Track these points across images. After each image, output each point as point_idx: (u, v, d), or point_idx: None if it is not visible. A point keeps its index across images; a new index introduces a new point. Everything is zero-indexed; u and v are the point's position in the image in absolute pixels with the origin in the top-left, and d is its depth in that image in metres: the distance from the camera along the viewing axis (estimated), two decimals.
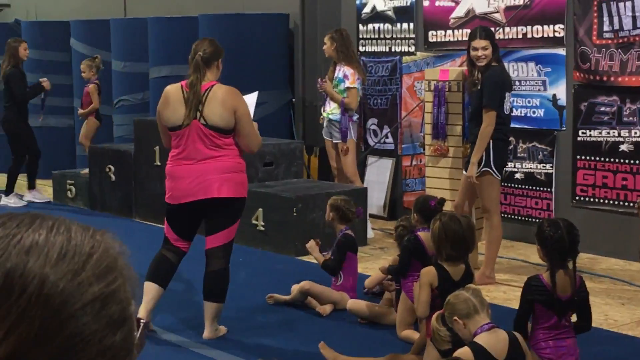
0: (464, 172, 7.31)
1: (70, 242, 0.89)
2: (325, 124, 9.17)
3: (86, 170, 11.22)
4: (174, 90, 5.82)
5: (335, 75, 9.00)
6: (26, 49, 10.91)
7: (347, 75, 8.91)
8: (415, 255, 5.93)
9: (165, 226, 5.98)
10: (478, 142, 6.98)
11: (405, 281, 5.97)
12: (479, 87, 7.10)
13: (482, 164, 7.03)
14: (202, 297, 5.99)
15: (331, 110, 9.03)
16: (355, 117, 9.06)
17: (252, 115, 6.04)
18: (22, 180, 11.30)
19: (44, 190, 11.59)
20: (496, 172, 7.08)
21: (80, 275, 0.87)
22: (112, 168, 10.34)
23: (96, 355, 0.87)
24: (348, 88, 8.90)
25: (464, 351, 4.18)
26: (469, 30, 7.98)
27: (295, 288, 6.68)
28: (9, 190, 11.09)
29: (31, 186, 11.27)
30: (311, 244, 6.68)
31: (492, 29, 8.23)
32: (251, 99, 6.33)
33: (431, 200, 6.19)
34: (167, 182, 5.89)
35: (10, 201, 11.03)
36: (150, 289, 5.89)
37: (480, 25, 8.09)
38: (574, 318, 5.00)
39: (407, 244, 6.03)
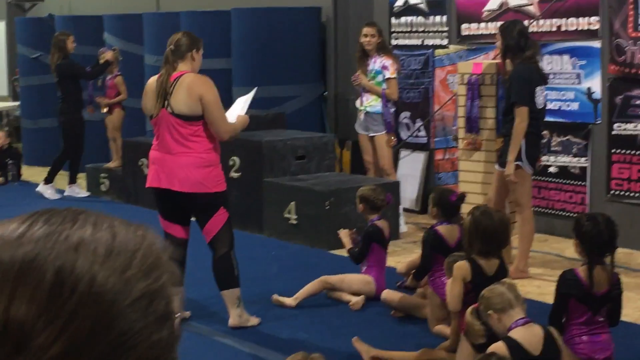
0: (496, 166, 7.27)
1: (115, 239, 0.89)
2: (361, 118, 9.11)
3: (111, 163, 11.32)
4: (151, 81, 6.03)
5: (371, 67, 8.95)
6: (74, 41, 11.11)
7: (386, 66, 8.85)
8: (436, 249, 5.92)
9: (159, 217, 6.08)
10: (513, 140, 6.93)
11: (433, 278, 5.96)
12: (508, 84, 7.11)
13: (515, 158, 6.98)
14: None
15: (369, 102, 8.97)
16: (392, 110, 9.02)
17: (245, 111, 6.22)
18: (62, 174, 11.40)
19: (79, 184, 11.66)
20: (529, 166, 7.03)
21: (127, 272, 0.88)
22: (146, 162, 10.38)
23: (145, 351, 0.87)
24: (389, 79, 8.85)
25: (499, 346, 4.15)
26: (502, 23, 7.92)
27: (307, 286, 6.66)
28: (49, 179, 11.21)
29: (72, 181, 11.37)
30: (343, 232, 6.74)
31: (526, 21, 8.17)
32: (247, 96, 6.45)
33: (452, 195, 6.17)
34: None
35: (47, 191, 11.15)
36: None
37: (508, 19, 8.03)
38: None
39: (426, 239, 6.05)
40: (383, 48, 8.94)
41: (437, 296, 5.83)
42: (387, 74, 8.84)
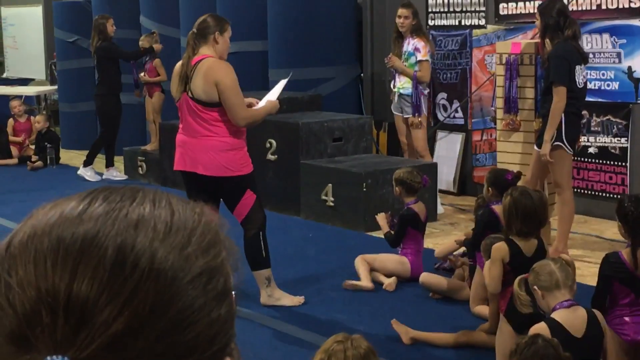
0: (535, 147, 7.20)
1: (174, 216, 0.90)
2: (395, 99, 9.09)
3: (149, 146, 11.38)
4: (178, 65, 6.02)
5: (404, 49, 8.90)
6: (113, 24, 11.19)
7: (418, 48, 8.81)
8: (490, 228, 5.88)
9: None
10: (550, 119, 6.86)
11: (480, 255, 5.91)
12: (547, 63, 7.03)
13: (554, 138, 6.91)
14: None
15: (402, 84, 8.95)
16: (426, 91, 8.98)
17: (276, 96, 6.16)
18: (100, 158, 11.50)
19: (117, 167, 11.74)
20: (568, 146, 6.95)
21: (187, 249, 0.88)
22: None
23: (205, 328, 0.87)
24: (420, 61, 8.81)
25: (541, 327, 4.12)
26: (539, 2, 7.83)
27: (359, 268, 6.64)
28: (88, 162, 11.31)
29: (109, 164, 11.45)
30: (381, 215, 6.74)
31: (565, 0, 8.07)
32: (282, 83, 6.40)
33: (508, 174, 6.13)
34: None
35: (87, 174, 11.26)
36: None
37: None
38: None
39: (481, 217, 6.01)
40: (417, 30, 8.89)
41: (481, 275, 5.79)
42: (419, 56, 8.79)
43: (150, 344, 0.84)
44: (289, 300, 6.17)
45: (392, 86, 9.16)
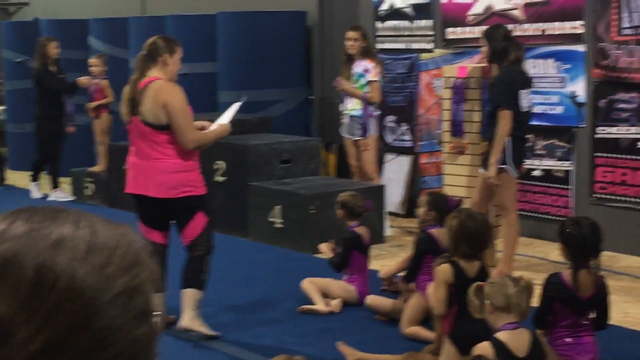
0: (480, 169, 7.29)
1: (95, 236, 0.90)
2: (346, 121, 9.12)
3: (96, 167, 11.32)
4: (127, 88, 5.93)
5: (354, 71, 8.97)
6: (57, 47, 11.14)
7: (368, 69, 8.87)
8: (428, 251, 5.93)
9: (138, 223, 5.99)
10: (495, 143, 6.96)
11: (420, 280, 5.96)
12: (493, 87, 7.15)
13: (499, 161, 7.00)
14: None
15: (352, 106, 9.00)
16: (375, 113, 9.04)
17: (227, 120, 6.07)
18: (46, 180, 11.43)
19: (63, 189, 11.64)
20: (514, 169, 7.05)
21: (107, 269, 0.88)
22: None
23: (124, 347, 0.88)
24: (370, 82, 8.87)
25: (484, 346, 4.17)
26: (486, 28, 7.96)
27: (310, 292, 6.63)
28: (34, 178, 11.27)
29: (54, 185, 11.37)
30: (324, 244, 6.73)
31: (510, 25, 8.20)
32: (234, 107, 6.30)
33: (452, 201, 6.20)
34: None
35: (61, 196, 11.21)
36: None
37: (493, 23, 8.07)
38: (592, 315, 4.97)
39: (420, 242, 6.07)
40: (367, 52, 8.97)
41: (422, 298, 5.84)
42: (369, 77, 8.86)
43: None
44: (207, 330, 5.90)
45: (342, 108, 9.20)
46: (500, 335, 4.28)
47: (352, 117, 9.01)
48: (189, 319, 5.82)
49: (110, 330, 0.87)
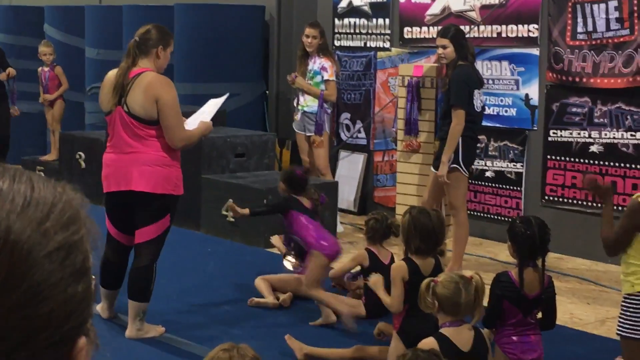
0: (432, 168, 7.33)
1: (34, 191, 0.90)
2: (298, 117, 9.13)
3: (48, 156, 11.22)
4: (110, 75, 5.67)
5: (310, 68, 8.97)
6: None
7: (325, 68, 8.88)
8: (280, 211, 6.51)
9: (106, 218, 5.76)
10: (448, 141, 7.00)
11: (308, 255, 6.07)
12: (447, 86, 7.17)
13: (451, 161, 7.05)
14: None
15: (306, 102, 9.01)
16: (329, 110, 9.06)
17: (210, 117, 5.91)
18: None
19: None
20: (464, 169, 7.10)
21: (45, 224, 0.88)
22: (83, 155, 10.28)
23: (60, 303, 0.87)
24: (327, 80, 8.88)
25: (429, 341, 4.20)
26: (442, 27, 8.02)
27: (261, 287, 6.63)
28: None
29: None
30: (274, 237, 6.74)
31: (467, 27, 8.27)
32: (217, 102, 6.16)
33: (297, 170, 6.63)
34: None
35: None
36: (104, 294, 5.93)
37: (447, 24, 8.13)
38: (539, 315, 5.03)
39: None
40: (324, 49, 8.98)
41: (322, 257, 6.06)
42: (326, 76, 8.88)
43: (4, 315, 0.83)
44: (154, 331, 5.83)
45: (295, 104, 9.20)
46: (445, 331, 4.32)
47: (304, 112, 9.02)
48: (135, 330, 5.73)
49: (45, 285, 0.86)
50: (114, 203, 5.67)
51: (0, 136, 11.07)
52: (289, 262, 6.68)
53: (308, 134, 9.04)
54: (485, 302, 4.72)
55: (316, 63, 8.94)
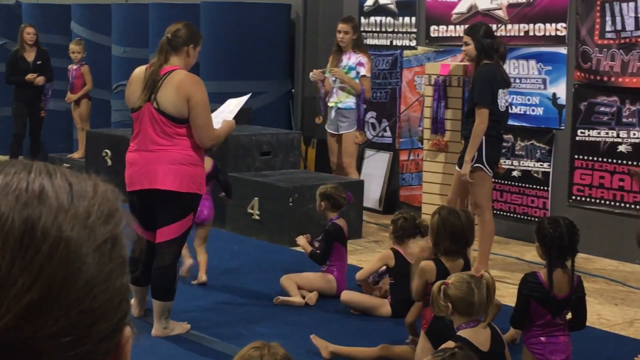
0: (457, 168, 7.30)
1: (72, 187, 0.90)
2: (332, 115, 8.97)
3: (75, 154, 11.32)
4: (138, 72, 5.68)
5: (344, 64, 8.86)
6: (29, 32, 11.46)
7: (362, 63, 8.80)
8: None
9: None
10: (471, 140, 6.97)
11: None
12: (472, 85, 7.14)
13: (474, 160, 7.01)
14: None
15: (339, 98, 8.90)
16: (364, 107, 9.00)
17: (232, 116, 5.93)
18: None
19: None
20: (488, 168, 7.06)
21: (90, 218, 0.89)
22: (109, 153, 10.31)
23: (111, 295, 0.88)
24: (364, 76, 8.81)
25: (450, 345, 4.17)
26: (468, 26, 7.99)
27: (287, 285, 6.62)
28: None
29: None
30: (300, 237, 6.73)
31: (494, 26, 8.23)
32: (239, 101, 6.18)
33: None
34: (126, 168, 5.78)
35: None
36: (134, 291, 5.89)
37: (476, 22, 8.10)
38: (568, 316, 4.99)
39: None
40: (360, 45, 8.91)
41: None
42: (363, 71, 8.81)
43: (64, 312, 0.84)
44: (180, 328, 5.84)
45: (323, 103, 9.09)
46: (462, 333, 4.29)
47: (338, 109, 8.93)
48: (161, 329, 5.74)
49: (98, 279, 0.87)
50: (137, 202, 5.64)
51: (33, 135, 11.39)
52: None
53: (340, 132, 8.95)
54: (511, 302, 4.70)
55: (351, 58, 8.86)
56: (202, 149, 5.65)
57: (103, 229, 0.89)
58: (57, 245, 0.85)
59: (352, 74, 8.83)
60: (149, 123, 5.53)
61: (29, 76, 11.30)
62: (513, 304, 5.01)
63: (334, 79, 8.91)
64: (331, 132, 9.09)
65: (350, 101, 8.86)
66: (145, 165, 5.54)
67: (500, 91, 7.06)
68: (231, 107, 6.11)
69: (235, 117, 9.94)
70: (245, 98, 6.29)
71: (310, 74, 9.08)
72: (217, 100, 9.85)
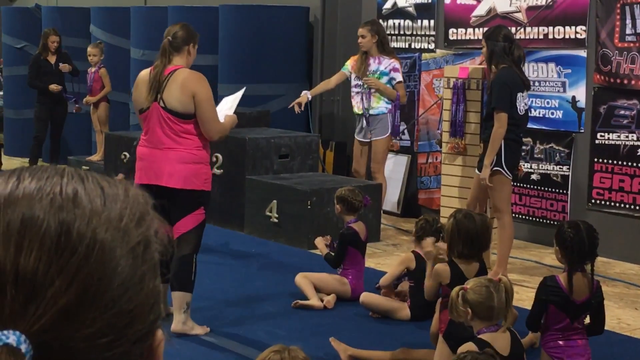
0: (476, 171, 7.29)
1: (104, 191, 0.92)
2: (364, 123, 8.84)
3: (93, 156, 11.38)
4: (143, 74, 5.90)
5: (375, 68, 8.73)
6: (54, 41, 11.65)
7: (396, 69, 8.70)
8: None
9: None
10: (490, 144, 6.96)
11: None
12: (490, 89, 7.13)
13: (494, 163, 6.99)
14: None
15: (371, 105, 8.73)
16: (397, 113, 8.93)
17: (232, 111, 6.10)
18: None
19: None
20: (507, 172, 7.04)
21: (123, 221, 0.90)
22: (128, 155, 10.35)
23: (145, 297, 0.89)
24: (400, 82, 8.72)
25: (469, 346, 4.16)
26: (487, 29, 7.98)
27: (304, 287, 6.62)
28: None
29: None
30: (319, 239, 6.73)
31: (513, 28, 8.21)
32: (235, 97, 6.36)
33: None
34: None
35: None
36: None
37: (494, 24, 8.08)
38: (587, 320, 4.97)
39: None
40: (386, 49, 8.78)
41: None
42: (399, 77, 8.71)
43: (100, 313, 0.85)
44: (200, 329, 5.88)
45: (356, 109, 8.88)
46: (483, 336, 4.28)
47: (372, 115, 8.77)
48: (181, 323, 5.77)
49: (132, 281, 0.88)
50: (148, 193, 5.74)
51: (54, 138, 11.50)
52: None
53: (374, 138, 8.79)
54: (528, 305, 4.68)
55: (382, 63, 8.72)
56: (207, 148, 5.84)
57: (136, 232, 0.90)
58: (93, 247, 0.86)
59: (385, 79, 8.72)
60: (157, 122, 5.74)
61: (52, 86, 11.43)
62: (531, 307, 5.00)
63: (359, 83, 8.81)
64: (361, 140, 8.94)
65: (381, 106, 8.74)
66: (154, 162, 5.76)
67: (519, 94, 7.04)
68: (229, 104, 6.30)
69: (254, 120, 10.02)
70: (240, 93, 6.46)
71: (366, 82, 8.75)
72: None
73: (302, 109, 9.02)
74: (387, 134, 8.80)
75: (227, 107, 6.24)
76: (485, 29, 8.61)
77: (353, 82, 8.90)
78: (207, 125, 5.69)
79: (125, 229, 0.89)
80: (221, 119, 5.97)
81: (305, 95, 8.99)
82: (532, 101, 8.27)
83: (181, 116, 5.68)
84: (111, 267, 0.86)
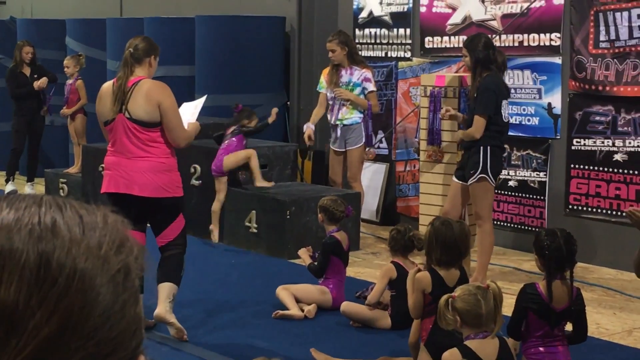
0: (453, 178, 7.31)
1: (83, 219, 0.91)
2: (338, 132, 8.85)
3: (71, 169, 11.33)
4: (106, 86, 6.01)
5: (347, 80, 8.74)
6: (28, 52, 11.65)
7: (368, 79, 8.71)
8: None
9: None
10: (465, 133, 7.06)
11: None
12: (475, 95, 7.13)
13: (479, 170, 7.01)
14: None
15: (344, 116, 8.75)
16: (370, 122, 8.95)
17: (194, 118, 6.24)
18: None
19: (38, 189, 11.60)
20: (492, 179, 7.08)
21: (102, 249, 0.90)
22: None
23: (127, 324, 0.89)
24: (372, 92, 8.73)
25: (453, 352, 4.18)
26: (465, 37, 8.02)
27: (284, 298, 6.62)
28: (8, 178, 11.84)
29: (7, 180, 11.65)
30: (302, 250, 6.74)
31: (489, 36, 8.25)
32: (197, 104, 6.52)
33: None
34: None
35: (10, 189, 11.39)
36: None
37: (475, 33, 8.12)
38: (569, 327, 5.00)
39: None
40: (356, 59, 8.79)
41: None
42: (370, 87, 8.71)
43: (83, 343, 0.85)
44: (180, 328, 5.90)
45: (330, 119, 8.89)
46: (470, 343, 4.30)
47: (345, 126, 8.79)
48: (165, 310, 5.85)
49: (113, 309, 0.88)
50: (115, 202, 5.77)
51: (32, 150, 11.46)
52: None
53: (348, 148, 8.81)
54: (508, 312, 4.70)
55: (354, 74, 8.74)
56: (174, 155, 5.95)
57: (115, 259, 0.90)
58: (73, 277, 0.86)
59: (358, 90, 8.72)
60: (123, 132, 5.83)
61: (37, 83, 11.45)
62: (510, 314, 5.02)
63: (333, 95, 8.81)
64: (336, 149, 8.94)
65: (355, 116, 8.75)
66: (122, 171, 5.84)
67: (504, 102, 7.09)
68: (191, 110, 6.43)
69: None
70: (202, 100, 6.63)
71: (337, 94, 8.79)
72: (213, 113, 9.90)
73: (313, 139, 9.03)
74: (362, 143, 8.82)
75: (188, 113, 6.35)
76: (462, 37, 8.67)
77: (328, 95, 8.90)
78: (173, 133, 5.82)
79: (105, 257, 0.89)
80: (185, 126, 6.07)
81: (309, 128, 8.96)
82: (510, 108, 8.31)
83: (147, 125, 5.79)
84: (92, 296, 0.86)
